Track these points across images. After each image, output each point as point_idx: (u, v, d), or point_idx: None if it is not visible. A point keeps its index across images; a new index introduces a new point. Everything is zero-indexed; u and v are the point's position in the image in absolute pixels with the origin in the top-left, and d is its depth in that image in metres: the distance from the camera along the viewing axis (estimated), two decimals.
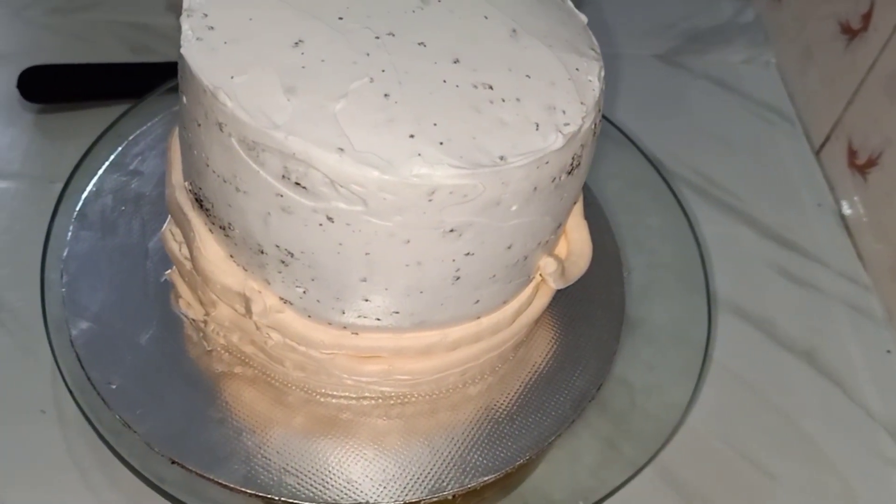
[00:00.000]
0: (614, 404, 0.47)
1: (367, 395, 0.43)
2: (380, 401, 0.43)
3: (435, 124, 0.34)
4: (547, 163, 0.34)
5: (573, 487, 0.44)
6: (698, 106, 0.71)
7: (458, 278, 0.37)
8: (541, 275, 0.42)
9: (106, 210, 0.48)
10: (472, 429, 0.43)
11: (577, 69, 0.37)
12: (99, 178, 0.50)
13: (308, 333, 0.39)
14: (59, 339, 0.44)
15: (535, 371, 0.46)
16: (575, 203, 0.41)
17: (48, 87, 0.63)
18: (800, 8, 0.74)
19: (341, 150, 0.32)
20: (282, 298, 0.39)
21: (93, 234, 0.47)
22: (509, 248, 0.37)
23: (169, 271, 0.45)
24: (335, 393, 0.43)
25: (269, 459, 0.41)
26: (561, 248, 0.43)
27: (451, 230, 0.34)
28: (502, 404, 0.44)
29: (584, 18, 0.41)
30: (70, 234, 0.47)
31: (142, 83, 0.62)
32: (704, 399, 0.51)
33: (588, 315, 0.48)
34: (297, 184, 0.33)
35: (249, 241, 0.37)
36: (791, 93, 0.72)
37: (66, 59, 0.64)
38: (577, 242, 0.43)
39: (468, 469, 0.42)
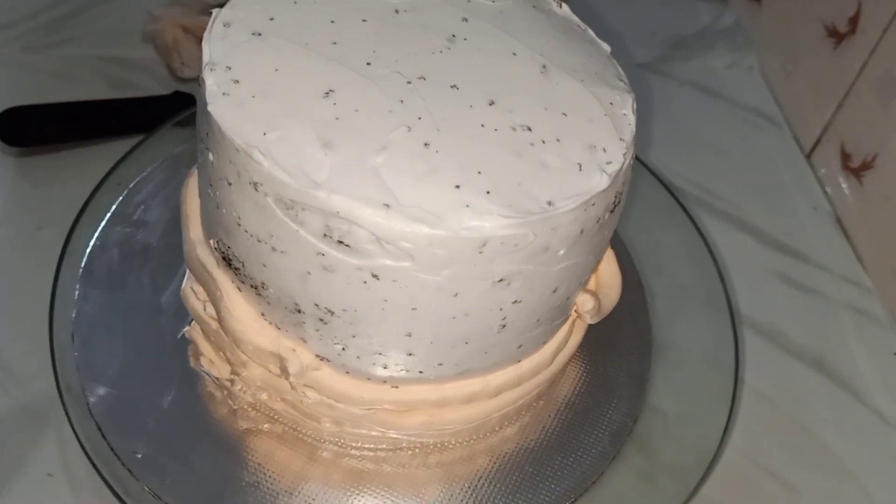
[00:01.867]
0: (649, 435, 0.46)
1: (404, 445, 0.41)
2: (417, 451, 0.42)
3: (479, 172, 0.32)
4: (593, 204, 0.33)
5: None
6: (686, 114, 0.70)
7: (504, 326, 0.36)
8: (576, 311, 0.41)
9: (113, 265, 0.46)
10: (513, 473, 0.42)
11: (611, 103, 0.36)
12: (102, 229, 0.48)
13: (346, 390, 0.38)
14: (73, 405, 0.42)
15: (569, 407, 0.45)
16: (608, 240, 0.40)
17: (28, 128, 0.60)
18: (781, 12, 0.74)
19: (387, 206, 0.31)
20: (319, 356, 0.37)
21: (101, 291, 0.45)
22: (555, 291, 0.36)
23: (187, 328, 0.43)
24: (371, 446, 0.41)
25: None
26: (591, 282, 0.43)
27: (500, 280, 0.33)
28: (540, 444, 0.43)
29: (607, 48, 0.40)
30: (77, 292, 0.45)
31: (126, 120, 0.61)
32: None
33: (615, 345, 0.47)
34: (341, 242, 0.32)
35: (285, 301, 0.35)
36: (777, 97, 0.72)
37: (44, 98, 0.62)
38: (606, 273, 0.43)
39: None
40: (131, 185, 0.50)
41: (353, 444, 0.41)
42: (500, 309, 0.35)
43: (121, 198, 0.49)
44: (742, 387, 0.51)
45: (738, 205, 0.63)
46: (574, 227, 0.33)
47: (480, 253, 0.32)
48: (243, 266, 0.36)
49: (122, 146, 0.53)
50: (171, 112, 0.55)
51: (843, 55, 0.65)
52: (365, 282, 0.33)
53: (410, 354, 0.36)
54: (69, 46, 0.68)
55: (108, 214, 0.48)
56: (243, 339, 0.37)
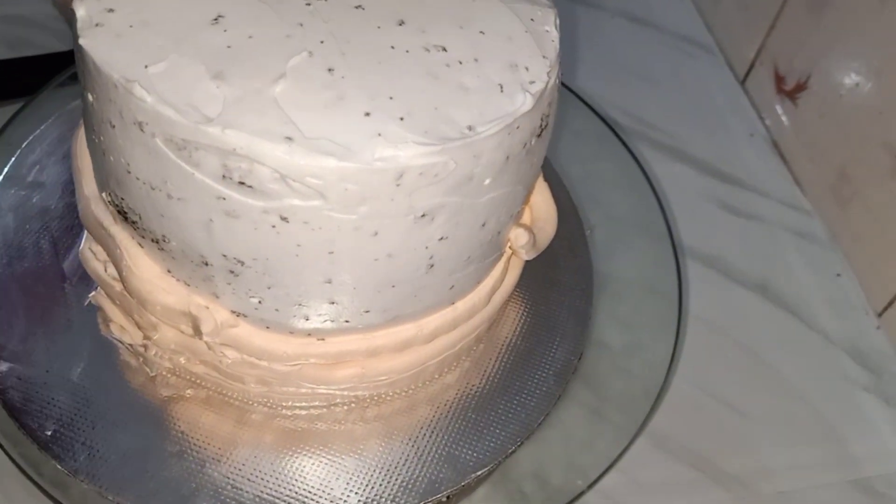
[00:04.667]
0: (596, 370, 0.44)
1: (338, 401, 0.39)
2: (353, 405, 0.39)
3: (391, 98, 0.29)
4: (518, 128, 0.31)
5: (568, 465, 0.42)
6: (618, 44, 0.68)
7: (431, 266, 0.33)
8: (510, 247, 0.38)
9: (8, 231, 0.42)
10: (456, 421, 0.40)
11: (531, 19, 0.34)
12: None
13: (268, 346, 0.35)
14: None
15: (511, 348, 0.43)
16: (538, 170, 0.38)
17: None
18: None
19: (290, 139, 0.28)
20: (234, 312, 0.34)
21: None
22: (483, 225, 0.33)
23: (93, 294, 0.39)
24: (303, 404, 0.39)
25: (241, 489, 0.37)
26: (525, 216, 0.40)
27: (423, 215, 0.30)
28: (483, 388, 0.41)
29: None
30: None
31: (24, 81, 0.56)
32: None
33: (555, 281, 0.45)
34: (242, 183, 0.29)
35: (190, 253, 0.32)
36: (708, 23, 0.70)
37: None
38: (540, 207, 0.40)
39: (458, 466, 0.38)
40: (24, 145, 0.46)
41: (284, 404, 0.39)
42: (426, 247, 0.32)
43: (13, 159, 0.45)
44: (686, 315, 0.50)
45: (674, 134, 0.62)
46: (499, 153, 0.31)
47: (398, 186, 0.29)
48: (140, 219, 0.32)
49: (8, 111, 0.49)
50: (61, 69, 0.50)
51: None
52: (273, 226, 0.30)
53: (333, 303, 0.33)
54: None
55: (0, 177, 0.44)
56: (150, 300, 0.34)
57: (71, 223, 0.43)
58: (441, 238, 0.32)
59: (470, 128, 0.30)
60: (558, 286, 0.45)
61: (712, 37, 0.69)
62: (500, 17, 0.33)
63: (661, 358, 0.44)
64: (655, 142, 0.61)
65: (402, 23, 0.32)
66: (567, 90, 0.54)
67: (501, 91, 0.31)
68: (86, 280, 0.40)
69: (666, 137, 0.62)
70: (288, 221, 0.30)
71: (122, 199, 0.32)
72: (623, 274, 0.48)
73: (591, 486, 0.41)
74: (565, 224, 0.46)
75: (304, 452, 0.38)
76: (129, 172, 0.31)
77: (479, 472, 0.38)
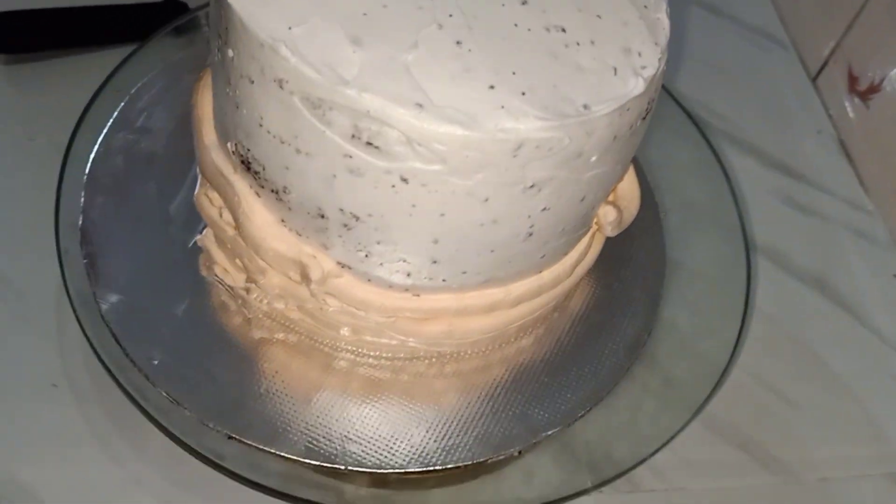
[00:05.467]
0: (660, 350, 0.46)
1: (421, 355, 0.41)
2: (434, 360, 0.42)
3: (514, 73, 0.31)
4: (628, 109, 0.33)
5: (625, 438, 0.44)
6: (692, 33, 0.69)
7: (530, 235, 0.35)
8: (597, 223, 0.40)
9: (118, 172, 0.45)
10: (529, 382, 0.42)
11: (645, 6, 0.35)
12: (105, 137, 0.46)
13: (368, 298, 0.37)
14: (84, 313, 0.41)
15: (584, 320, 0.45)
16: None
17: (16, 35, 0.57)
18: None
19: (420, 105, 0.30)
20: (340, 263, 0.36)
21: (107, 199, 0.44)
22: (582, 200, 0.35)
23: (199, 236, 0.42)
24: (388, 355, 0.41)
25: (330, 428, 0.39)
26: (611, 194, 0.42)
27: (532, 186, 0.32)
28: (556, 355, 0.43)
29: None
30: (83, 199, 0.44)
31: (118, 27, 0.58)
32: None
33: (629, 260, 0.47)
34: (370, 143, 0.31)
35: (308, 206, 0.34)
36: (783, 18, 0.70)
37: (32, 3, 0.59)
38: (626, 186, 0.42)
39: (531, 424, 0.41)
40: (132, 91, 0.48)
41: (371, 353, 0.41)
42: (529, 216, 0.34)
43: (122, 104, 0.47)
44: (753, 307, 0.52)
45: (743, 126, 0.63)
46: (608, 132, 0.32)
47: (514, 157, 0.31)
48: (264, 170, 0.35)
49: (114, 55, 0.50)
50: (164, 20, 0.52)
51: None
52: (393, 185, 0.32)
53: (435, 262, 0.35)
54: None
55: (111, 121, 0.47)
56: (263, 246, 0.37)
57: (176, 169, 0.45)
58: (544, 209, 0.34)
59: (585, 106, 0.31)
60: (632, 265, 0.47)
61: (787, 32, 0.70)
62: (616, 3, 0.35)
63: (723, 346, 0.46)
64: (724, 132, 0.62)
65: (524, 2, 0.34)
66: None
67: (615, 74, 0.33)
68: (189, 225, 0.43)
69: (735, 129, 0.62)
70: (407, 182, 0.32)
71: (249, 150, 0.35)
72: (693, 260, 0.50)
73: (643, 460, 0.43)
74: (643, 207, 0.48)
75: (388, 400, 0.41)
76: (262, 126, 0.33)
77: (549, 432, 0.41)
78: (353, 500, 0.40)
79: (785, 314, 0.53)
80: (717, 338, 0.47)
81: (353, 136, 0.31)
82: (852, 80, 0.62)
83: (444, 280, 0.36)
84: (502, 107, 0.30)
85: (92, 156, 0.45)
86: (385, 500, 0.42)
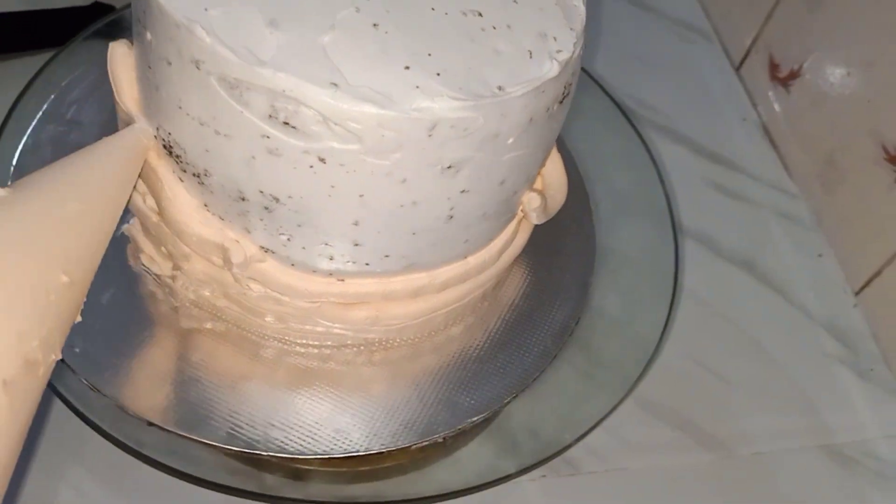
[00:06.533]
0: (591, 335, 0.47)
1: (349, 342, 0.41)
2: (362, 348, 0.42)
3: (430, 54, 0.32)
4: (543, 92, 0.33)
5: (559, 421, 0.45)
6: (618, 26, 0.70)
7: (451, 217, 0.35)
8: (523, 210, 0.41)
9: (46, 163, 0.44)
10: (457, 370, 0.42)
11: None
12: (33, 129, 0.46)
13: (292, 283, 0.37)
14: None
15: (513, 308, 0.45)
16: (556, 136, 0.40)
17: None
18: None
19: (335, 85, 0.30)
20: (263, 247, 0.37)
21: None
22: (502, 183, 0.36)
23: (126, 225, 0.42)
24: (315, 343, 0.41)
25: (253, 415, 0.39)
26: (538, 182, 0.43)
27: (450, 166, 0.33)
28: (484, 343, 0.44)
29: None
30: None
31: (47, 32, 0.57)
32: None
33: (560, 249, 0.48)
34: (287, 123, 0.31)
35: (229, 188, 0.34)
36: (706, 9, 0.72)
37: None
38: (553, 175, 0.43)
39: (457, 411, 0.41)
40: (63, 84, 0.48)
41: (298, 342, 0.41)
42: (448, 198, 0.34)
43: (52, 97, 0.47)
44: (681, 289, 0.53)
45: (670, 115, 0.65)
46: (524, 114, 0.33)
47: (430, 136, 0.31)
48: (185, 153, 0.35)
49: (43, 59, 0.49)
50: (92, 22, 0.51)
51: None
52: (311, 166, 0.32)
53: (357, 245, 0.36)
54: None
55: (39, 114, 0.46)
56: (185, 231, 0.37)
57: None
58: (463, 191, 0.34)
59: (500, 87, 0.32)
60: (562, 254, 0.48)
61: (710, 23, 0.72)
62: None
63: (653, 327, 0.47)
64: (653, 122, 0.64)
65: None
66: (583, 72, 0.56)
67: (531, 57, 0.33)
68: None
69: (664, 119, 0.64)
70: (325, 163, 0.32)
71: (170, 133, 0.35)
72: (623, 247, 0.51)
73: (577, 439, 0.44)
74: (572, 196, 0.48)
75: (314, 388, 0.41)
76: (181, 108, 0.33)
77: (474, 418, 0.41)
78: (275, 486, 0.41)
79: (716, 296, 0.55)
80: (648, 319, 0.48)
81: (270, 117, 0.31)
82: (773, 67, 0.64)
83: (367, 264, 0.37)
84: (417, 87, 0.31)
85: (20, 147, 0.45)
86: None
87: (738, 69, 0.68)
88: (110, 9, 0.58)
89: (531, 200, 0.40)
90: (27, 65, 0.51)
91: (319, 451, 0.39)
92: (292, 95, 0.30)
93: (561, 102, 0.35)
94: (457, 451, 0.45)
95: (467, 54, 0.32)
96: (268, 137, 0.32)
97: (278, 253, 0.37)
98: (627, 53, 0.68)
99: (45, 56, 0.50)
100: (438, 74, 0.31)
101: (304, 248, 0.36)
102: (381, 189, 0.33)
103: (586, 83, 0.56)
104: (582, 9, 0.36)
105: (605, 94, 0.55)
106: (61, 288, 0.31)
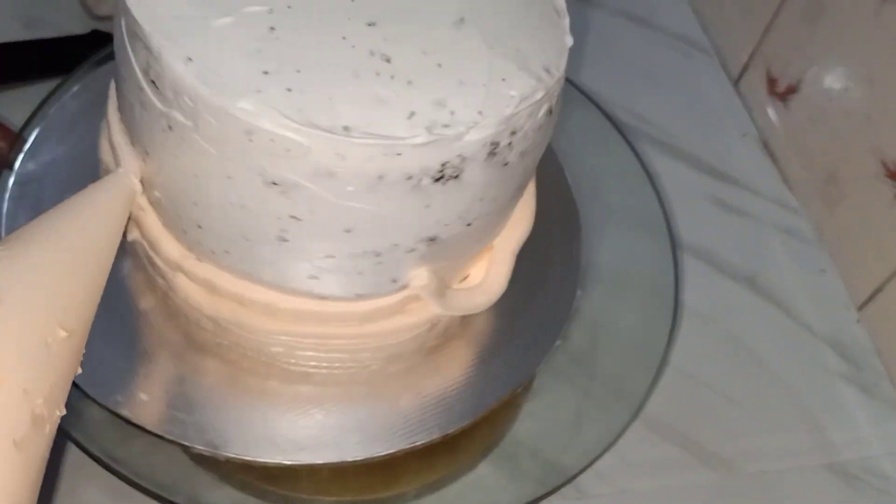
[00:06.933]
0: (594, 357, 0.48)
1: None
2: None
3: (298, 71, 0.31)
4: (398, 154, 0.31)
5: (565, 446, 0.45)
6: (617, 42, 0.68)
7: (284, 240, 0.34)
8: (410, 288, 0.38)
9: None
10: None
11: (503, 79, 0.33)
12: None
13: (159, 238, 0.38)
14: None
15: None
16: (462, 224, 0.36)
17: None
18: None
19: (190, 59, 0.31)
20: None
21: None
22: (348, 231, 0.34)
23: None
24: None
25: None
26: (477, 273, 0.40)
27: (274, 183, 0.32)
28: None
29: (568, 41, 0.36)
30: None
31: (45, 62, 0.56)
32: None
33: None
34: (153, 82, 0.32)
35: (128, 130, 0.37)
36: (705, 24, 0.70)
37: None
38: (491, 275, 0.40)
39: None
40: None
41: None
42: (278, 218, 0.33)
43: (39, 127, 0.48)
44: (682, 306, 0.53)
45: (670, 131, 0.63)
46: (369, 166, 0.31)
47: (250, 141, 0.31)
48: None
49: (42, 90, 0.50)
50: (90, 51, 0.50)
51: None
52: (164, 130, 0.33)
53: (199, 227, 0.36)
54: None
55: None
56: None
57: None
58: (293, 216, 0.33)
59: (345, 128, 0.31)
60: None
61: (708, 38, 0.69)
62: (472, 63, 0.33)
63: (656, 346, 0.47)
64: (652, 138, 0.62)
65: (372, 24, 0.33)
66: (570, 85, 0.56)
67: (409, 118, 0.31)
68: None
69: (662, 134, 0.63)
70: (172, 130, 0.33)
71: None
72: (621, 264, 0.51)
73: (588, 465, 0.44)
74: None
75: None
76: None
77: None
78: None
79: (717, 312, 0.55)
80: (648, 340, 0.48)
81: (144, 71, 0.33)
82: (771, 82, 0.63)
83: (212, 251, 0.37)
84: (258, 91, 0.31)
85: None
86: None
87: (736, 84, 0.67)
88: (109, 37, 0.60)
89: (416, 277, 0.36)
90: (28, 95, 0.51)
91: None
92: (156, 56, 0.31)
93: (438, 181, 0.32)
94: (463, 476, 0.45)
95: (339, 88, 0.31)
96: (142, 90, 0.33)
97: (155, 206, 0.37)
98: (628, 70, 0.66)
99: (43, 87, 0.50)
100: (289, 90, 0.31)
101: (165, 207, 0.37)
102: (209, 175, 0.33)
103: (579, 98, 0.56)
104: (515, 100, 0.32)
105: (598, 109, 0.55)
106: (61, 342, 0.31)
